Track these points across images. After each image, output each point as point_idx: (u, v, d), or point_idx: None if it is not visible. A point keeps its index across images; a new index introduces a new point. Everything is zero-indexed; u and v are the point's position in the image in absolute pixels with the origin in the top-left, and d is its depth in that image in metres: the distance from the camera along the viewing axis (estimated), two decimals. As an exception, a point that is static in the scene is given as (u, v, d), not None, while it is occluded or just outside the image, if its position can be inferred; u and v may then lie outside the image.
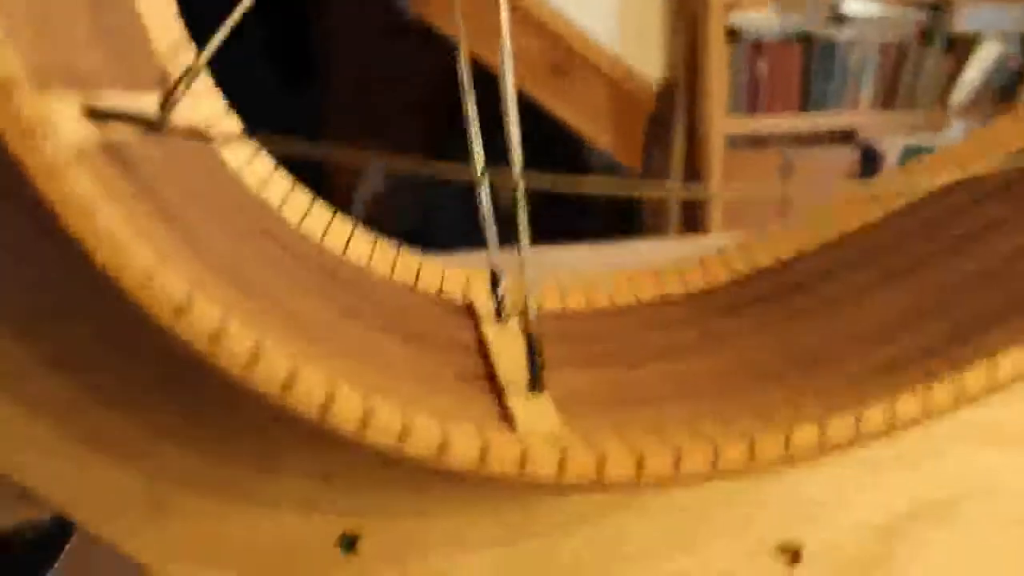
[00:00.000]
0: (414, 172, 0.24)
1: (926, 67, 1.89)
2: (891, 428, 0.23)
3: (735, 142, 1.86)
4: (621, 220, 2.02)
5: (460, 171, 0.28)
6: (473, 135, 0.33)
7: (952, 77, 1.90)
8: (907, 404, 0.23)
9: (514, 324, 0.32)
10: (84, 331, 0.23)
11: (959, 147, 0.37)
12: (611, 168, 1.95)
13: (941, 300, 0.29)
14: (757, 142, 1.90)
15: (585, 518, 0.25)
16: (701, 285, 0.35)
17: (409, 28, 1.72)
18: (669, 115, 1.87)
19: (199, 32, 0.32)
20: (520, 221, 0.26)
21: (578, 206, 2.07)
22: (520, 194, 0.25)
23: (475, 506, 0.25)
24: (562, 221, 1.91)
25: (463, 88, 0.35)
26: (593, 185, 0.23)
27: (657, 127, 1.89)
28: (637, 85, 1.89)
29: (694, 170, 1.86)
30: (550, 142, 1.96)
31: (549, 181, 0.24)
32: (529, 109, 1.83)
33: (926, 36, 1.88)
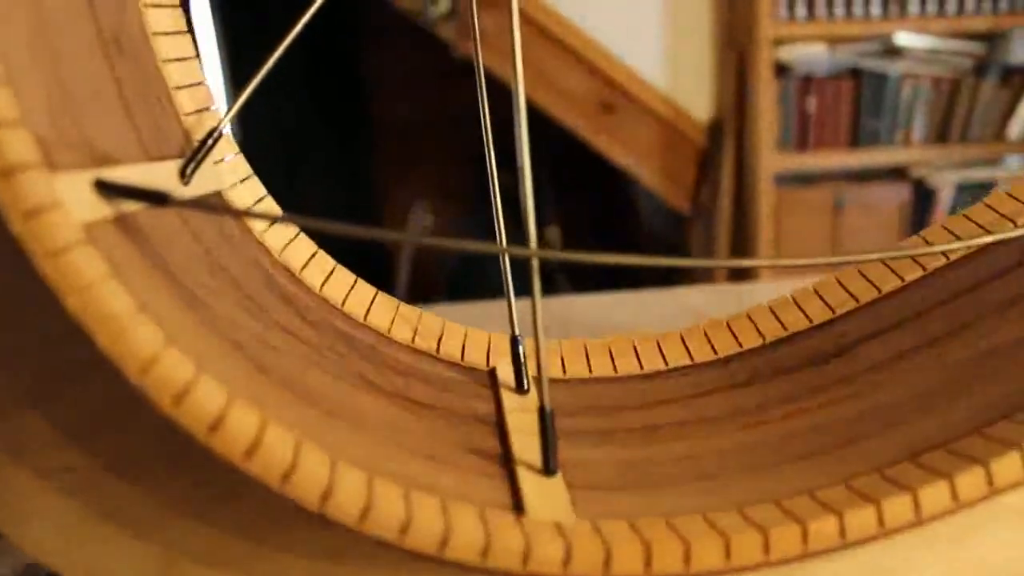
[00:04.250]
0: (441, 247, 0.24)
1: (980, 100, 1.85)
2: (916, 521, 0.21)
3: (785, 180, 1.84)
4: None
5: (483, 246, 0.28)
6: (498, 208, 0.32)
7: (1008, 110, 1.86)
8: (933, 494, 0.21)
9: (534, 394, 0.31)
10: (94, 397, 0.23)
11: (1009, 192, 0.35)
12: (661, 202, 1.94)
13: (979, 372, 0.27)
14: (807, 180, 1.87)
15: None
16: (730, 349, 0.34)
17: (461, 71, 1.73)
18: (718, 153, 1.85)
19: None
20: (534, 295, 0.25)
21: (633, 247, 2.06)
22: (535, 270, 0.25)
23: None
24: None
25: (487, 145, 0.35)
26: (607, 258, 0.23)
27: (706, 165, 1.88)
28: (686, 123, 1.88)
29: (743, 208, 1.84)
30: (601, 179, 1.95)
31: (562, 255, 0.24)
32: (580, 146, 1.84)
33: (981, 68, 1.85)
